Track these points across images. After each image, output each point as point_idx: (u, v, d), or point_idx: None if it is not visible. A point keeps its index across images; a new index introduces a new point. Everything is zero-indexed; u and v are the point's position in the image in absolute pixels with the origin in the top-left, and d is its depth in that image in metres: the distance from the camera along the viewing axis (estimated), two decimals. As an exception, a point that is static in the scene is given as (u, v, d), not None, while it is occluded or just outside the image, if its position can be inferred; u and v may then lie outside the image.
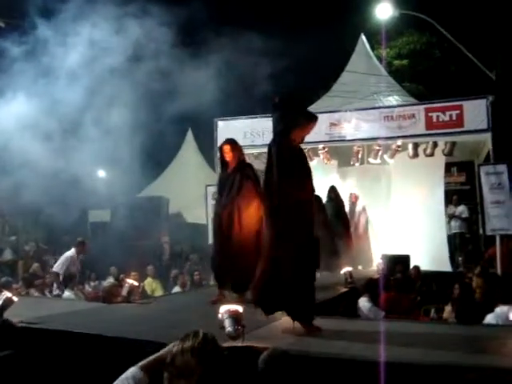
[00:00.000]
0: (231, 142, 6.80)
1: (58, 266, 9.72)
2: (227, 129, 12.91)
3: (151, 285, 10.16)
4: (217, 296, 6.45)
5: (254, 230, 6.18)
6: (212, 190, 11.95)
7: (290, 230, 4.62)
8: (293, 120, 4.82)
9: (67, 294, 9.28)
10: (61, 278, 9.45)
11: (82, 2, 9.37)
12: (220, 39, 10.14)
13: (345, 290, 7.70)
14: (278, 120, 4.92)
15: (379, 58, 18.05)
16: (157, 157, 18.34)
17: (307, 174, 4.92)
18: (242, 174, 6.57)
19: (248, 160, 8.09)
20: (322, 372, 3.71)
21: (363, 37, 17.44)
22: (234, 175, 6.58)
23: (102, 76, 9.60)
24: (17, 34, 9.60)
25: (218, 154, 7.32)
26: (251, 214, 6.31)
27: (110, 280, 9.88)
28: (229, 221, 6.37)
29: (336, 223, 10.86)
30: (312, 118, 5.00)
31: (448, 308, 6.87)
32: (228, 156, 6.68)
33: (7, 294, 5.33)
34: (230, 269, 6.27)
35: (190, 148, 19.55)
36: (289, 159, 4.74)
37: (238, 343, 3.89)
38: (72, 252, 9.85)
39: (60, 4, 9.29)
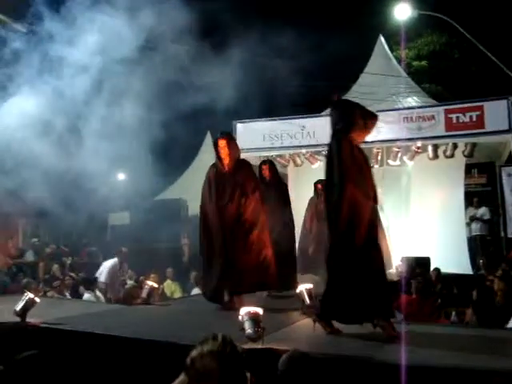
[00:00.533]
0: (227, 137, 6.39)
1: (102, 276, 9.84)
2: (246, 131, 12.94)
3: (171, 287, 10.20)
4: (228, 303, 6.04)
5: (260, 230, 6.10)
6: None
7: (349, 232, 4.46)
8: (353, 119, 4.73)
9: (87, 295, 9.37)
10: (103, 286, 9.54)
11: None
12: (238, 41, 10.13)
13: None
14: (337, 118, 4.83)
15: (398, 59, 17.93)
16: (176, 159, 18.44)
17: (368, 174, 4.75)
18: (244, 173, 6.28)
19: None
20: (341, 374, 3.70)
21: (382, 38, 17.33)
22: (235, 174, 6.23)
23: (122, 79, 9.66)
24: (26, 32, 9.64)
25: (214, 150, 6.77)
26: (257, 215, 6.14)
27: (131, 282, 9.97)
28: (235, 223, 6.05)
29: None
30: (372, 117, 4.90)
31: (469, 311, 6.80)
32: (223, 152, 6.24)
33: (30, 295, 5.41)
34: (240, 270, 5.97)
35: (208, 150, 19.58)
36: (349, 159, 4.58)
37: (258, 345, 3.89)
38: (114, 261, 9.96)
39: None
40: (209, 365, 2.16)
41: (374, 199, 4.67)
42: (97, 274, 10.01)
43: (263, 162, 8.15)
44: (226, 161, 6.24)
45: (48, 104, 9.22)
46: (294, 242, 7.97)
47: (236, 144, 6.47)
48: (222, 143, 6.24)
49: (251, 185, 6.22)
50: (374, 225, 4.60)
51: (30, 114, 9.18)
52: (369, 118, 4.85)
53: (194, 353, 2.23)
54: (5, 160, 9.47)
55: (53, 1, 9.17)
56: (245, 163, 6.48)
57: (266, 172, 7.81)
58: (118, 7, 8.97)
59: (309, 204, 9.64)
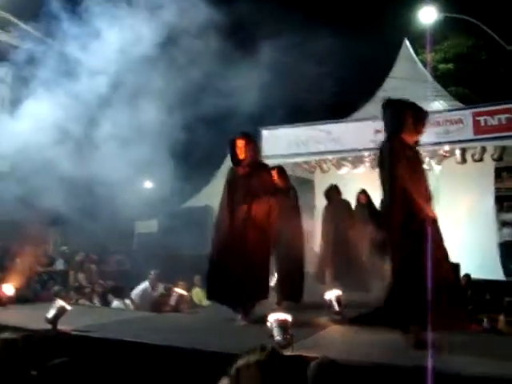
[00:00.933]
0: (246, 137, 5.94)
1: (135, 295, 9.98)
2: (272, 138, 12.98)
3: (199, 294, 10.22)
4: (241, 317, 5.68)
5: (268, 239, 5.81)
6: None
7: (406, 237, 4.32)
8: (404, 119, 4.60)
9: (116, 303, 9.46)
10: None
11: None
12: (263, 47, 10.16)
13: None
14: (388, 119, 4.72)
15: (424, 63, 17.78)
16: (202, 166, 18.52)
17: (422, 176, 4.59)
18: (260, 176, 5.89)
19: (293, 169, 8.01)
20: (370, 381, 3.67)
21: (407, 41, 17.23)
22: (250, 177, 5.84)
23: (147, 83, 9.74)
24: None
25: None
26: (266, 222, 5.78)
27: (159, 290, 10.03)
28: (244, 230, 5.71)
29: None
30: (423, 116, 4.75)
31: (501, 317, 6.68)
32: (240, 152, 5.82)
33: (60, 302, 5.48)
34: (250, 281, 5.61)
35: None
36: (401, 160, 4.44)
37: (287, 352, 3.88)
38: (146, 285, 10.09)
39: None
40: (253, 375, 2.13)
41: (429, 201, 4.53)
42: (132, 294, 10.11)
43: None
44: (245, 162, 5.85)
45: (73, 111, 9.36)
46: (303, 252, 7.38)
47: (256, 146, 6.09)
48: (241, 143, 5.83)
49: (265, 189, 5.84)
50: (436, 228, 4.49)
51: (54, 121, 9.32)
52: (420, 118, 4.72)
53: (240, 362, 2.20)
54: (32, 168, 9.65)
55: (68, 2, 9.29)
56: (262, 166, 6.09)
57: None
58: (141, 7, 9.05)
59: (324, 214, 9.26)
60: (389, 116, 4.72)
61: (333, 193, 9.06)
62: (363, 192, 9.73)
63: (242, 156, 5.81)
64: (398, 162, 4.42)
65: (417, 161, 4.69)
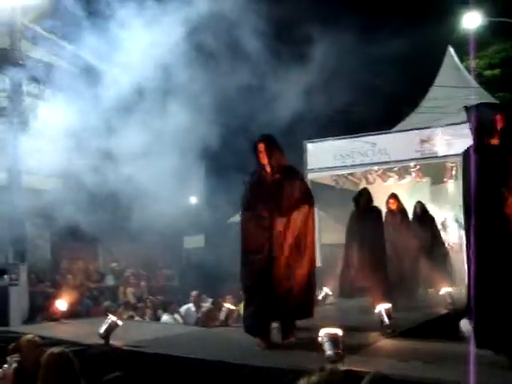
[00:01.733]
0: (266, 139, 5.46)
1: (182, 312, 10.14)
2: (316, 150, 12.98)
3: (247, 308, 10.26)
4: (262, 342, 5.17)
5: (306, 250, 5.30)
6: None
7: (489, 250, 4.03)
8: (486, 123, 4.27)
9: (165, 318, 9.58)
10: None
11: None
12: (301, 61, 10.17)
13: (445, 311, 7.42)
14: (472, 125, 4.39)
15: (469, 70, 17.47)
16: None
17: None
18: (291, 181, 5.39)
19: (339, 182, 7.90)
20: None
21: (451, 49, 16.98)
22: (281, 182, 5.34)
23: (191, 100, 9.85)
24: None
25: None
26: (305, 231, 5.31)
27: (206, 305, 10.10)
28: (281, 241, 5.18)
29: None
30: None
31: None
32: (263, 156, 5.37)
33: (112, 317, 5.60)
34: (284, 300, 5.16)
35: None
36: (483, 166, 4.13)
37: (340, 367, 3.85)
38: (188, 307, 10.22)
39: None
40: None
41: None
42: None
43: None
44: (269, 168, 5.38)
45: (117, 129, 9.55)
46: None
47: (280, 149, 5.53)
48: (262, 147, 5.40)
49: (298, 197, 5.34)
50: None
51: (98, 140, 9.51)
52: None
53: (300, 383, 2.19)
54: (80, 187, 9.91)
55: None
56: (294, 172, 5.61)
57: None
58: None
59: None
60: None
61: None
62: (393, 196, 9.42)
63: (264, 161, 5.37)
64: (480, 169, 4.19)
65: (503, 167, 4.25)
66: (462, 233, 12.41)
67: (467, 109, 4.53)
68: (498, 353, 4.00)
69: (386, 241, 8.20)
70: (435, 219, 10.29)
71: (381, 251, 7.92)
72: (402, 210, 9.33)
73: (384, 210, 8.94)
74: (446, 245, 11.57)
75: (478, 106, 4.55)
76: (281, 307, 5.14)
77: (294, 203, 5.27)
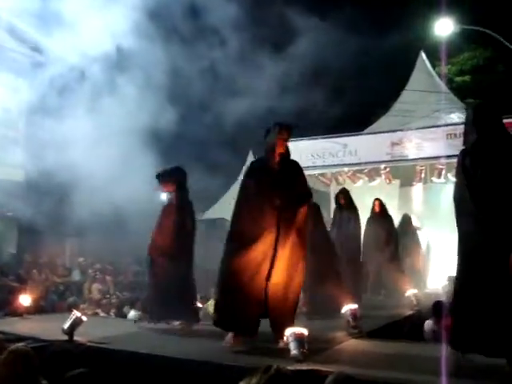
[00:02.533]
0: (291, 130, 5.25)
1: None
2: (292, 150, 12.98)
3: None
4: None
5: (303, 250, 5.05)
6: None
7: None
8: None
9: (132, 314, 9.47)
10: None
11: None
12: (274, 61, 10.17)
13: (410, 312, 7.52)
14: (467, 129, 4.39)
15: (440, 75, 17.72)
16: (217, 179, 18.55)
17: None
18: (297, 175, 5.24)
19: (310, 182, 7.75)
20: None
21: (423, 54, 17.20)
22: (289, 173, 5.15)
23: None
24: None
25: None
26: (304, 228, 5.10)
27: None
28: (287, 233, 4.93)
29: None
30: None
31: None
32: (282, 144, 5.14)
33: (77, 313, 5.51)
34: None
35: (250, 170, 19.69)
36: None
37: (303, 366, 3.85)
38: None
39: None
40: None
41: None
42: None
43: None
44: (280, 156, 5.14)
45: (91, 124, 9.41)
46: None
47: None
48: (287, 134, 5.16)
49: (303, 191, 5.20)
50: None
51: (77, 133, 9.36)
52: None
53: None
54: (53, 180, 9.74)
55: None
56: (298, 166, 5.35)
57: None
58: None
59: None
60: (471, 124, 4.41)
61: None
62: (378, 200, 9.76)
63: (281, 149, 5.12)
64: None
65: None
66: (424, 236, 12.64)
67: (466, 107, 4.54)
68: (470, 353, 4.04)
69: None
70: (393, 219, 10.10)
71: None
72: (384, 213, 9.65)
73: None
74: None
75: (466, 108, 4.57)
76: (276, 306, 4.84)
77: (299, 197, 5.10)
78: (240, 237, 5.00)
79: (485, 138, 4.14)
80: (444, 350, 4.05)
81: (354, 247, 8.46)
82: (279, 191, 4.96)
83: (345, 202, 8.76)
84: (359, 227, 8.72)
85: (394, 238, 9.76)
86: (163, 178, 6.70)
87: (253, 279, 4.83)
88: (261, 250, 4.86)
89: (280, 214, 4.89)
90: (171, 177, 6.67)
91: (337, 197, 8.98)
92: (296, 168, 5.27)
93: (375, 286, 9.30)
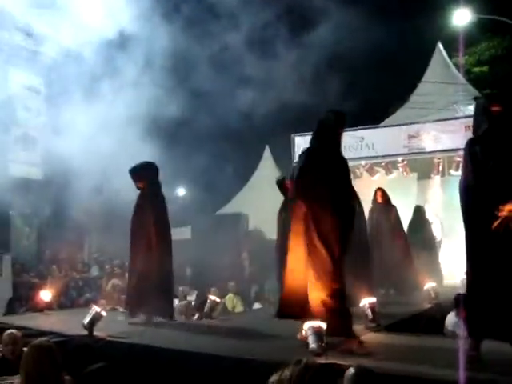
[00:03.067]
0: None
1: None
2: (305, 144, 12.94)
3: (232, 301, 10.25)
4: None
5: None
6: (291, 205, 12.04)
7: None
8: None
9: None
10: None
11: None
12: (291, 54, 10.11)
13: (428, 306, 7.46)
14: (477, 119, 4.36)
15: (457, 66, 17.53)
16: (235, 174, 18.61)
17: None
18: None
19: None
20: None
21: (440, 45, 17.02)
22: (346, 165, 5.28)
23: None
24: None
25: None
26: None
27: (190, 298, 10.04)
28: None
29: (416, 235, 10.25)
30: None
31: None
32: (341, 133, 5.23)
33: (96, 308, 5.57)
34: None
35: (267, 164, 19.70)
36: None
37: (321, 360, 3.85)
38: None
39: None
40: None
41: None
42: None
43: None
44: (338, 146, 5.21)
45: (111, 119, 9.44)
46: None
47: None
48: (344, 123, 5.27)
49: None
50: None
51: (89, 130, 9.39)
52: None
53: (272, 378, 2.07)
54: (67, 177, 9.81)
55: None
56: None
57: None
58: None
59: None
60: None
61: None
62: (380, 190, 9.39)
63: (340, 139, 5.25)
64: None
65: None
66: (441, 228, 12.48)
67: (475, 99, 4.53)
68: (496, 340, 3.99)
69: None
70: (397, 209, 9.53)
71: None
72: (388, 204, 9.31)
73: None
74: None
75: (477, 98, 4.54)
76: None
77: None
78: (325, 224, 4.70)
79: (496, 128, 4.09)
80: (464, 344, 4.01)
81: (363, 241, 8.17)
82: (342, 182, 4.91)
83: None
84: (365, 220, 8.45)
85: (401, 229, 9.46)
86: (133, 174, 6.74)
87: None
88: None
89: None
90: (141, 173, 6.71)
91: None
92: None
93: (384, 281, 8.97)
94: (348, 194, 4.93)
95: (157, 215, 6.56)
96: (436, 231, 12.19)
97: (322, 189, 4.72)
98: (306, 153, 5.10)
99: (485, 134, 4.14)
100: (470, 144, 4.22)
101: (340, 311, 4.50)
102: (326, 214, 4.64)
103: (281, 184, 7.48)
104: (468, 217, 4.22)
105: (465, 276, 4.22)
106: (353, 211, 4.99)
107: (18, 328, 5.04)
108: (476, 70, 21.30)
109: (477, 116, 4.33)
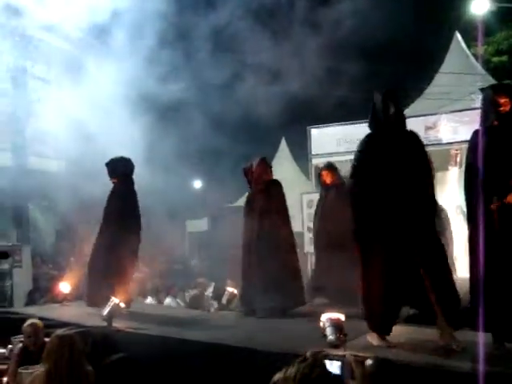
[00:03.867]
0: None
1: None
2: (320, 136, 12.92)
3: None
4: None
5: None
6: (307, 197, 12.00)
7: None
8: None
9: (167, 301, 9.61)
10: None
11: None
12: (307, 45, 10.01)
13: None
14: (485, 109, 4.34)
15: (476, 56, 17.29)
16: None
17: None
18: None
19: (342, 168, 7.57)
20: (422, 382, 3.61)
21: (458, 35, 16.79)
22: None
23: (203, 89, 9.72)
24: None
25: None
26: None
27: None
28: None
29: None
30: None
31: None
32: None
33: (115, 300, 5.62)
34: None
35: (283, 156, 19.64)
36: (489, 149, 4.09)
37: (340, 352, 3.86)
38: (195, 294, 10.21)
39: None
40: None
41: None
42: None
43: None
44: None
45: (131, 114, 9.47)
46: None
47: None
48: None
49: None
50: None
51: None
52: None
53: (276, 377, 1.99)
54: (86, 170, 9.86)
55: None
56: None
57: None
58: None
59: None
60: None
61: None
62: (328, 168, 7.51)
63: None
64: None
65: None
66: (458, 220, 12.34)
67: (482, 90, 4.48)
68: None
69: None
70: None
71: None
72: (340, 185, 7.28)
73: None
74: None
75: (484, 89, 4.49)
76: None
77: None
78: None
79: (503, 119, 4.06)
80: (480, 337, 3.98)
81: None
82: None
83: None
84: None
85: None
86: (107, 168, 6.87)
87: None
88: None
89: None
90: (114, 167, 6.83)
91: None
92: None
93: None
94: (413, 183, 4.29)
95: (119, 211, 6.66)
96: (447, 223, 12.00)
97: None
98: (362, 142, 4.87)
99: (492, 126, 4.11)
100: (476, 135, 4.22)
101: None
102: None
103: (246, 173, 6.77)
104: (470, 209, 4.21)
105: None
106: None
107: (40, 319, 5.11)
108: (495, 59, 20.99)
109: (484, 107, 4.30)
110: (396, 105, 4.54)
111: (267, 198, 6.30)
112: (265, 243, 6.04)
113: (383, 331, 4.23)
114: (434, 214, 4.38)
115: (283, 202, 6.48)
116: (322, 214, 7.14)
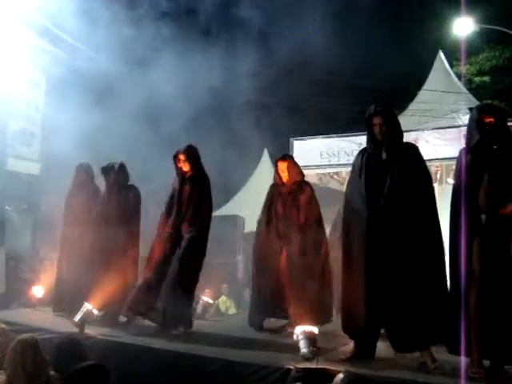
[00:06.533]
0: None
1: None
2: (303, 148, 12.97)
3: (225, 303, 10.22)
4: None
5: None
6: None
7: None
8: None
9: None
10: None
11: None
12: (292, 60, 10.08)
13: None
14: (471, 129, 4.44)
15: (458, 76, 17.54)
16: (232, 176, 18.53)
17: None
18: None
19: (323, 180, 7.59)
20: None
21: (441, 54, 17.03)
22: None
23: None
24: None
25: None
26: None
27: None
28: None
29: None
30: None
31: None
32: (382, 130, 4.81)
33: (88, 306, 5.54)
34: None
35: (265, 167, 19.65)
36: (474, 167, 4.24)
37: (313, 365, 3.83)
38: None
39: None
40: None
41: None
42: None
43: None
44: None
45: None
46: None
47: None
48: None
49: None
50: None
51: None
52: None
53: None
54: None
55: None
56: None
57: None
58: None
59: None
60: None
61: None
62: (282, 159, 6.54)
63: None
64: None
65: None
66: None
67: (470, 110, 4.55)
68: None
69: None
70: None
71: None
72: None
73: None
74: None
75: (471, 108, 4.56)
76: None
77: None
78: None
79: (488, 139, 4.12)
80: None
81: None
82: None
83: None
84: None
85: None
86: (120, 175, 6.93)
87: None
88: None
89: None
90: (126, 174, 7.00)
91: None
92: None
93: None
94: None
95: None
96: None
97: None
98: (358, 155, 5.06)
99: (476, 145, 4.15)
100: (463, 154, 4.29)
101: None
102: None
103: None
104: (454, 225, 4.25)
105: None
106: None
107: (8, 324, 5.01)
108: (477, 79, 21.32)
109: (470, 127, 4.35)
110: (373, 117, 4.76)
111: None
112: None
113: (367, 355, 4.22)
114: None
115: None
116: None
